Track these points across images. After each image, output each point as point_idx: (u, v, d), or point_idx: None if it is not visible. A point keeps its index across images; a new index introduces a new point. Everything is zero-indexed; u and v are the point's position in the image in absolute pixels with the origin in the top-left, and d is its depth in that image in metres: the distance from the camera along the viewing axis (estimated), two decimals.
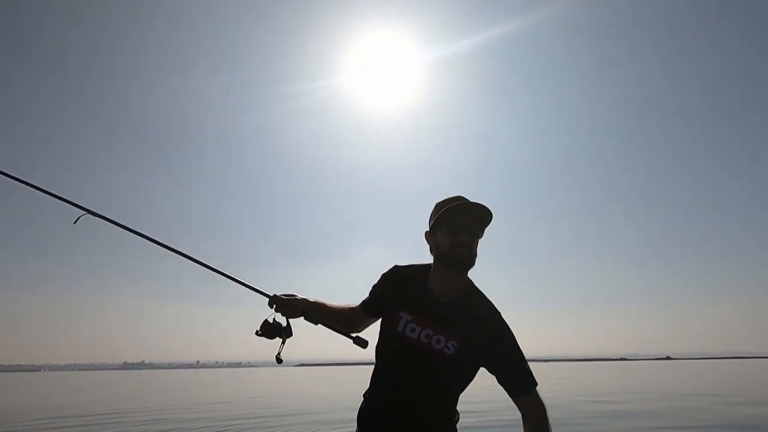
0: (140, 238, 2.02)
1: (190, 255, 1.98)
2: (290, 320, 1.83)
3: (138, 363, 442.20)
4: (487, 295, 1.75)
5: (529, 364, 1.72)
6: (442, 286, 1.68)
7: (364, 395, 1.88)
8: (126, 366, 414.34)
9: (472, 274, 1.71)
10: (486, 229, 1.65)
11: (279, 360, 1.81)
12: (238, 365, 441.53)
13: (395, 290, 1.77)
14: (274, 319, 1.82)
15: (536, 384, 1.66)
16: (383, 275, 1.84)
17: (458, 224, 1.60)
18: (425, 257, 1.77)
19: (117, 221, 2.05)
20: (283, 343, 1.82)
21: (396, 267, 1.83)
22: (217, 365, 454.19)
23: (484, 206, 1.59)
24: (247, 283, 1.91)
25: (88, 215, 2.02)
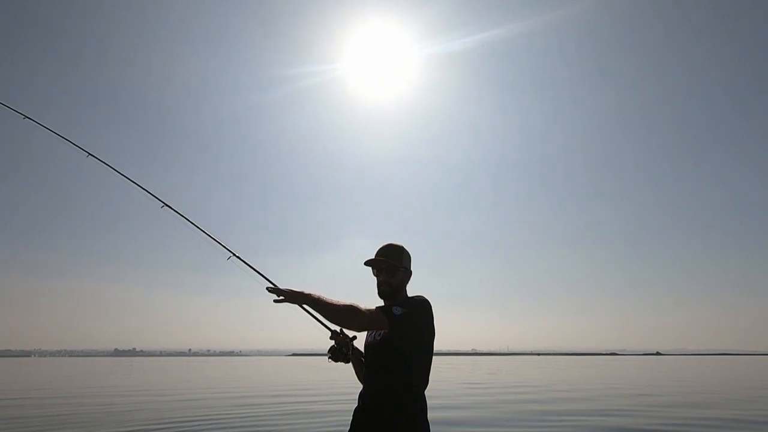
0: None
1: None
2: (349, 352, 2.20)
3: (129, 350, 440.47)
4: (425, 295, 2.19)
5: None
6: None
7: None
8: (117, 353, 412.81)
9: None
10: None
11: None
12: (230, 354, 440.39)
13: None
14: (340, 347, 2.18)
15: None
16: None
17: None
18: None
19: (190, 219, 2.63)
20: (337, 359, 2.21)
21: None
22: (209, 353, 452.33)
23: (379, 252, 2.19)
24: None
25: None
